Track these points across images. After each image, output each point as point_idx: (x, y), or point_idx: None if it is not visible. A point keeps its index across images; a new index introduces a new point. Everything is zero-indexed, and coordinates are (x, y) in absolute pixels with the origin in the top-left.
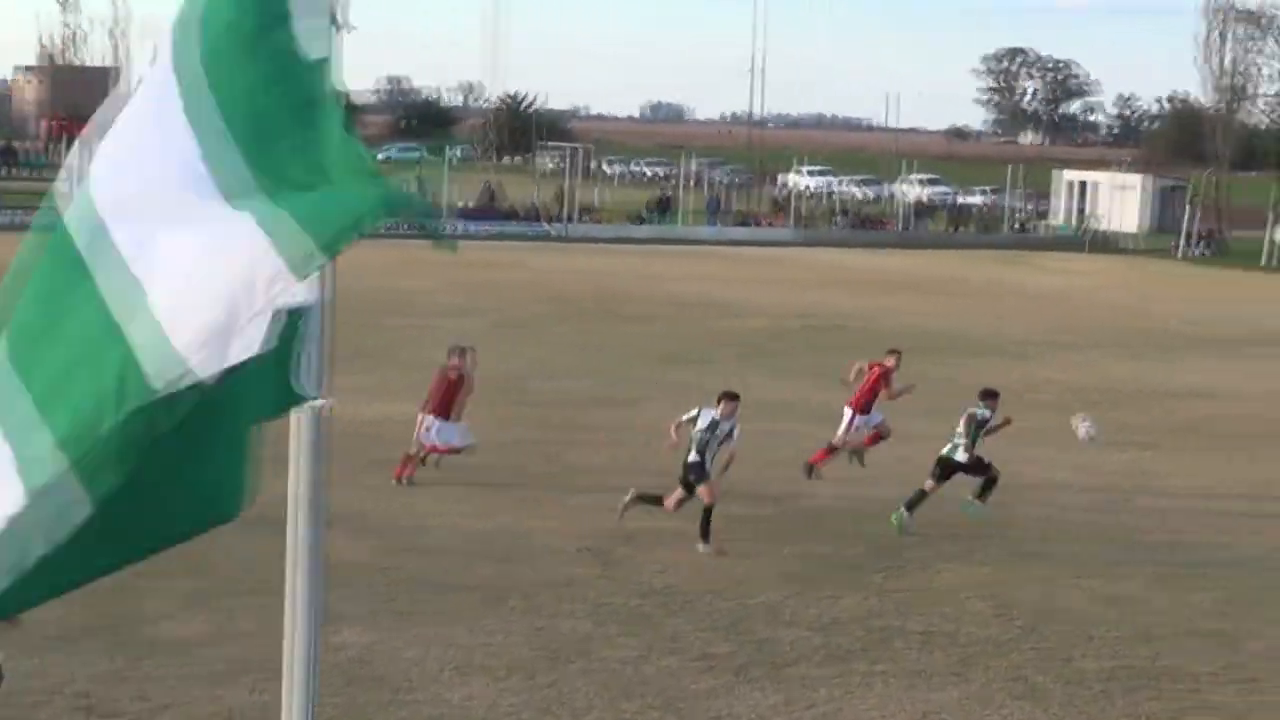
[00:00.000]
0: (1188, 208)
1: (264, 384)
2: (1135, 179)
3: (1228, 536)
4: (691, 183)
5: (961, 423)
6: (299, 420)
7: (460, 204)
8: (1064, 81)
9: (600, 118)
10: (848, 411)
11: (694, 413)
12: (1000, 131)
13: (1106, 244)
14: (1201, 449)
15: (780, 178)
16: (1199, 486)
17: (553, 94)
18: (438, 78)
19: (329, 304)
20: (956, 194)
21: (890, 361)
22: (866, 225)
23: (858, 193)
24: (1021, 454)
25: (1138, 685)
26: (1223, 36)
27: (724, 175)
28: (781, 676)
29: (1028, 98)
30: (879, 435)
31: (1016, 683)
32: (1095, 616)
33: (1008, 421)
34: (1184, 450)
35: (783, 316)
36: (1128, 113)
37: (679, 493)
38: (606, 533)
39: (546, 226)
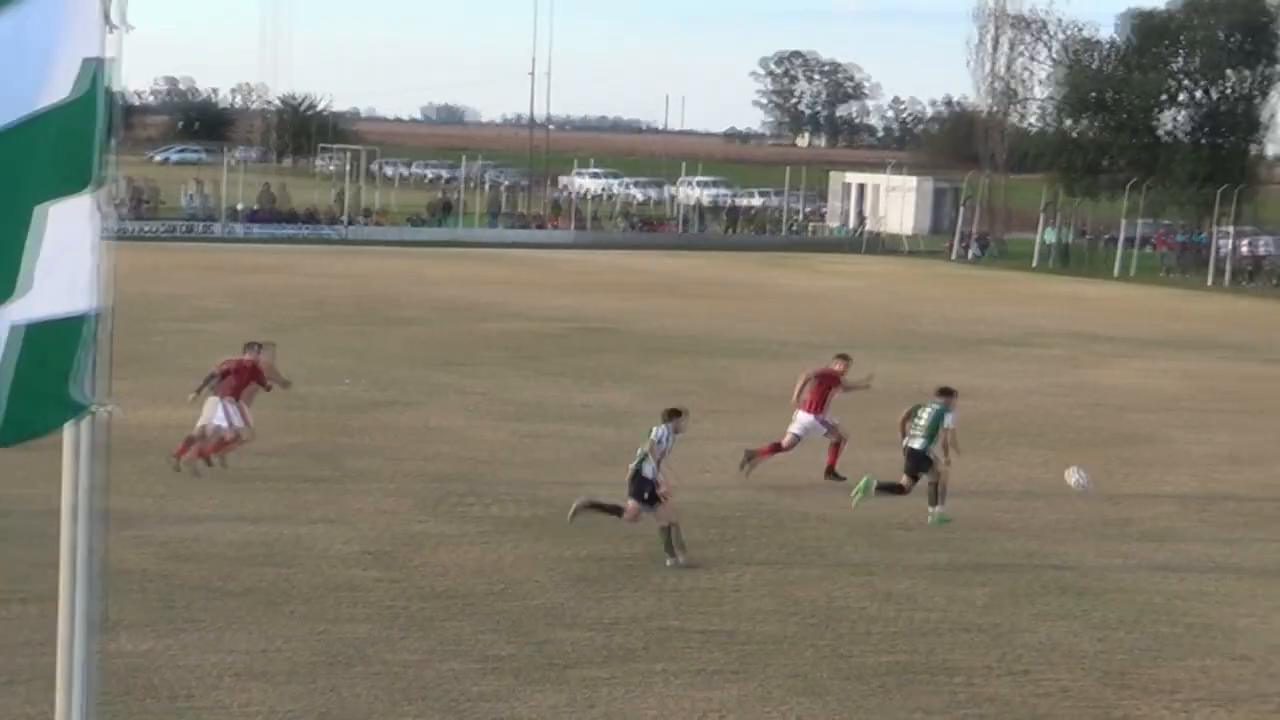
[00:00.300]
0: (962, 209)
1: (41, 398)
2: (911, 181)
3: (999, 533)
4: (473, 185)
5: (925, 416)
6: (77, 426)
7: (239, 206)
8: (841, 84)
9: (382, 120)
10: (803, 415)
11: (654, 436)
12: (779, 134)
13: (883, 245)
14: (968, 449)
15: (562, 180)
16: (969, 484)
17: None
18: (218, 79)
19: (108, 311)
20: (735, 196)
21: (839, 366)
22: (647, 227)
23: (638, 195)
24: (799, 454)
25: (915, 680)
26: (995, 41)
27: (506, 178)
28: (563, 678)
29: (805, 100)
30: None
31: (797, 680)
32: (874, 613)
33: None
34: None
35: (552, 319)
36: (904, 116)
37: (633, 505)
38: (387, 536)
39: (326, 229)
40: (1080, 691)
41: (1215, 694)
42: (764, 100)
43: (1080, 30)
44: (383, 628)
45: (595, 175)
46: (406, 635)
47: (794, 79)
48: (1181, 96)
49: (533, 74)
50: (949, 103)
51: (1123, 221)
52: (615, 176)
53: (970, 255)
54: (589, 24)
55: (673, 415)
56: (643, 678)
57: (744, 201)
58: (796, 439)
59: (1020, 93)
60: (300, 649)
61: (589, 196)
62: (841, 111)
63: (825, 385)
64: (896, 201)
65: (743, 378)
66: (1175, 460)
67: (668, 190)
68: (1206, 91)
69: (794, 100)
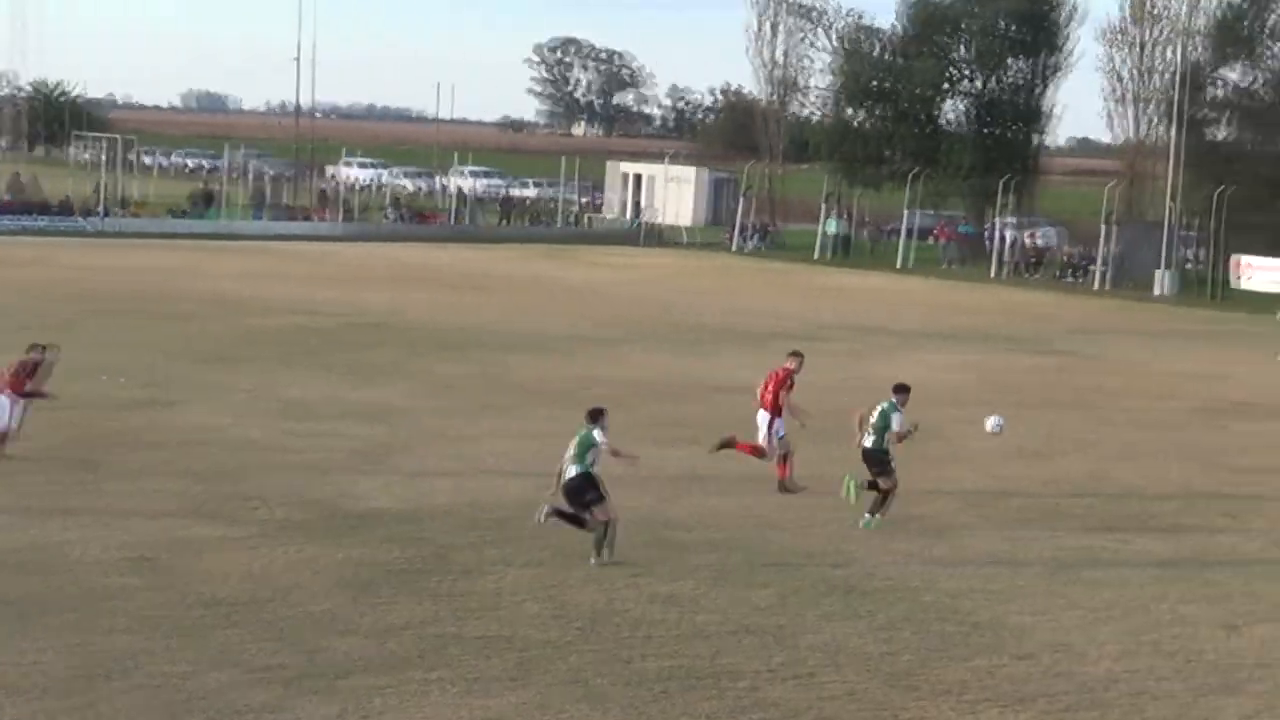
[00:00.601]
0: (741, 200)
1: None
2: (689, 171)
3: (780, 532)
4: (236, 175)
5: (876, 413)
6: None
7: None
8: (617, 72)
9: (140, 107)
10: (763, 415)
11: (598, 441)
12: (554, 123)
13: (661, 237)
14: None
15: (329, 170)
16: (751, 483)
17: (89, 82)
18: None
19: None
20: (509, 186)
21: (791, 364)
22: (418, 219)
23: (408, 185)
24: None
25: (696, 685)
26: (774, 28)
27: (270, 168)
28: (337, 687)
29: (581, 89)
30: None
31: (576, 686)
32: (653, 616)
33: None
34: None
35: (322, 313)
36: (682, 104)
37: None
38: (150, 541)
39: (82, 221)
40: (866, 694)
41: (1002, 694)
42: (539, 88)
43: (860, 18)
44: (145, 638)
45: (364, 165)
46: (171, 646)
47: (569, 67)
48: (962, 85)
49: (297, 60)
50: (727, 91)
51: (904, 212)
52: (384, 166)
53: (750, 247)
54: (356, 8)
55: (598, 415)
56: (418, 686)
57: (518, 192)
58: (770, 442)
59: (800, 81)
60: (57, 662)
61: (357, 187)
62: (618, 100)
63: (778, 384)
64: (675, 192)
65: (518, 373)
66: (957, 455)
67: (439, 181)
68: (987, 81)
69: (569, 88)
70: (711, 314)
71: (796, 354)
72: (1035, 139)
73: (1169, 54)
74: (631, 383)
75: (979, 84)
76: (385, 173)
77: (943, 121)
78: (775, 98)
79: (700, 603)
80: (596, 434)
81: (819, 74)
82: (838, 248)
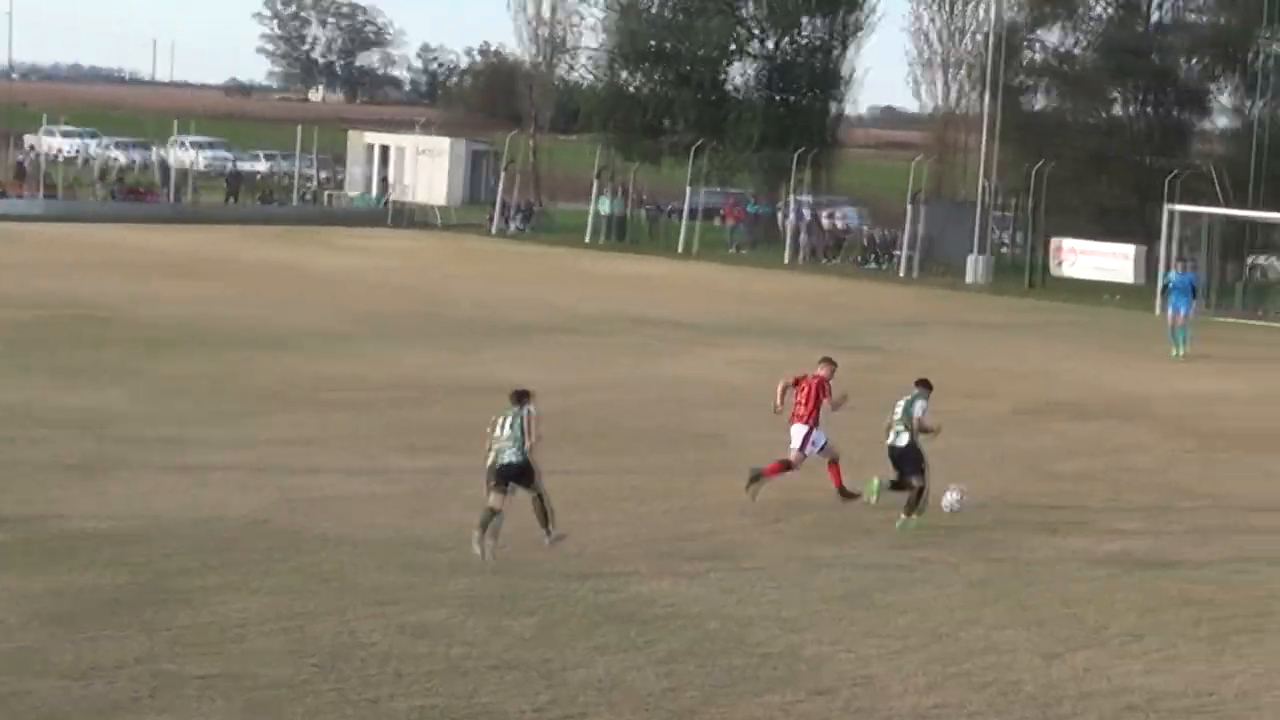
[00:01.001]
0: (502, 176)
1: None
2: (444, 142)
3: (546, 554)
4: None
5: (899, 408)
6: None
7: None
8: (360, 30)
9: None
10: (800, 428)
11: (537, 412)
12: (288, 87)
13: (412, 218)
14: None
15: (28, 140)
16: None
17: None
18: None
19: None
20: (237, 159)
21: (824, 371)
22: (133, 196)
23: (121, 158)
24: (310, 461)
25: None
26: None
27: None
28: None
29: (319, 48)
30: (835, 460)
31: None
32: (402, 650)
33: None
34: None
35: (30, 306)
36: (434, 66)
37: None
38: None
39: None
40: None
41: None
42: (270, 48)
43: None
44: None
45: (68, 134)
46: None
47: (305, 23)
48: (752, 47)
49: None
50: (487, 52)
51: (687, 190)
52: (93, 136)
53: (513, 229)
54: None
55: (524, 397)
56: None
57: (247, 166)
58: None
59: (569, 41)
60: None
61: (60, 159)
62: (362, 61)
63: (815, 392)
64: (427, 166)
65: (252, 374)
66: (745, 464)
67: (157, 153)
68: (780, 41)
69: (305, 48)
70: (469, 305)
71: (829, 360)
72: (834, 107)
73: (981, 13)
74: (379, 383)
75: (771, 45)
76: (94, 143)
77: (730, 87)
78: (541, 59)
79: (455, 634)
80: (532, 410)
81: (590, 32)
82: (612, 230)
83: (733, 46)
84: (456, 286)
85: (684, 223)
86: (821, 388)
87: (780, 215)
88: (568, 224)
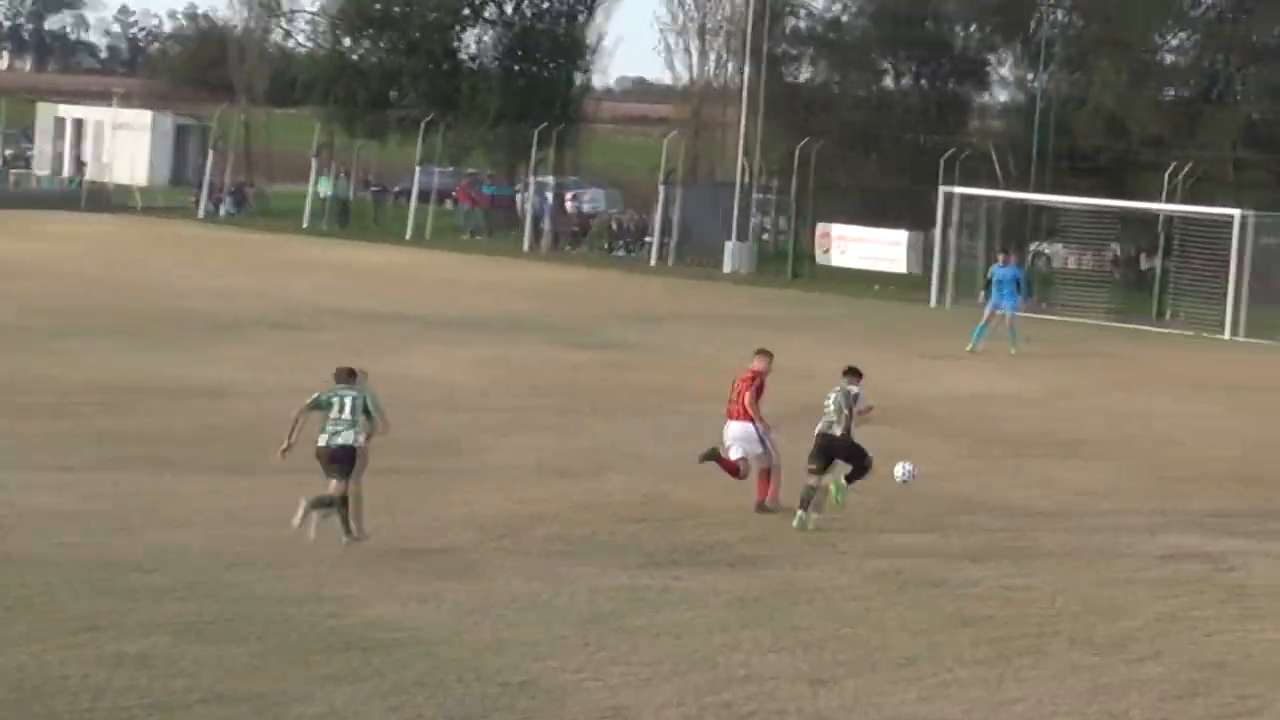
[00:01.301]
0: (211, 154)
1: None
2: (145, 116)
3: (260, 572)
4: None
5: (832, 399)
6: None
7: None
8: None
9: None
10: (734, 426)
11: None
12: None
13: (110, 200)
14: (214, 464)
15: None
16: (220, 513)
17: None
18: None
19: None
20: None
21: (759, 364)
22: None
23: None
24: (16, 479)
25: None
26: None
27: None
28: None
29: (3, 9)
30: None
31: None
32: (102, 683)
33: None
34: (207, 463)
35: None
36: (134, 31)
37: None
38: None
39: None
40: None
41: None
42: None
43: None
44: None
45: None
46: None
47: None
48: (488, 11)
49: None
50: (194, 16)
51: (416, 170)
52: None
53: (223, 212)
54: None
55: (352, 374)
56: None
57: None
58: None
59: (285, 4)
60: None
61: None
62: (52, 24)
63: (754, 389)
64: (127, 143)
65: None
66: (476, 472)
67: None
68: (519, 5)
69: None
70: (174, 297)
71: (765, 352)
72: (579, 79)
73: None
74: (75, 387)
75: (509, 9)
76: None
77: (464, 56)
78: (254, 24)
79: (160, 664)
80: (371, 393)
81: None
82: (334, 214)
83: (467, 11)
84: (159, 277)
85: (413, 206)
86: (753, 381)
87: (520, 198)
88: (285, 207)
